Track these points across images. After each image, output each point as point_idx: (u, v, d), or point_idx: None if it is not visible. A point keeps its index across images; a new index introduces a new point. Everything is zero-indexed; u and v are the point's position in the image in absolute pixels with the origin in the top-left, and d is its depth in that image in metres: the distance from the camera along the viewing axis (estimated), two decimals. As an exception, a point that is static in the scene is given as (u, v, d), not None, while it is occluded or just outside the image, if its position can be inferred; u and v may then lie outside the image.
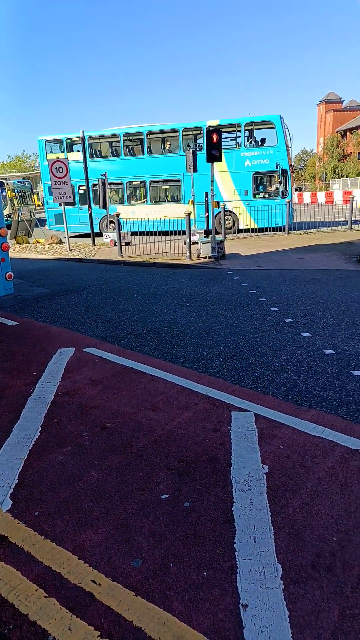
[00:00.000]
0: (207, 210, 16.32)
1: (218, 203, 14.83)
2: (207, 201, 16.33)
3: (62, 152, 19.95)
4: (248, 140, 18.66)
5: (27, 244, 18.48)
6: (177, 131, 18.71)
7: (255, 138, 19.05)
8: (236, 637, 1.87)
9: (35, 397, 4.19)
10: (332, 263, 11.36)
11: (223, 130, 20.11)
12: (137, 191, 21.24)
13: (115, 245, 14.69)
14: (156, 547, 2.37)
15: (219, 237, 14.02)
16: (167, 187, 20.53)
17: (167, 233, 17.04)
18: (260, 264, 11.81)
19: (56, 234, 18.37)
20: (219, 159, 12.18)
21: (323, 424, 3.53)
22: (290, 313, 6.90)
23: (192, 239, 12.84)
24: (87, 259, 13.90)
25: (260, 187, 18.46)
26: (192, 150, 15.62)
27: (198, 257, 12.89)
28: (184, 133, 18.75)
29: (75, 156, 19.38)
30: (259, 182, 18.41)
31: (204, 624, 1.93)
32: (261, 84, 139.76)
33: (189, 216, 12.41)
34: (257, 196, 18.22)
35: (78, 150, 19.73)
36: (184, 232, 17.27)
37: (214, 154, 11.90)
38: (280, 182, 17.81)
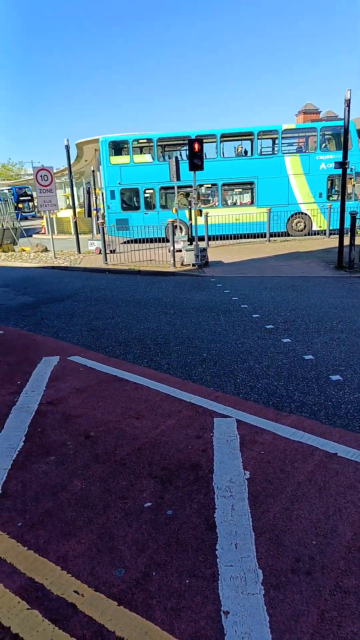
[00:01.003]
0: (190, 218, 16.45)
1: (200, 212, 14.91)
2: (190, 209, 16.46)
3: (127, 153, 18.99)
4: (323, 144, 18.56)
5: (12, 252, 18.35)
6: (252, 134, 18.37)
7: (328, 142, 18.95)
8: (217, 643, 1.90)
9: (19, 407, 4.17)
10: (311, 270, 11.54)
11: (299, 134, 19.84)
12: (208, 194, 20.71)
13: (100, 253, 14.69)
14: (139, 555, 2.38)
15: (202, 244, 14.13)
16: (240, 190, 20.19)
17: (241, 237, 17.09)
18: (242, 271, 11.93)
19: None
20: (201, 168, 12.26)
21: (303, 429, 3.59)
22: (271, 319, 7.00)
23: (175, 247, 12.91)
24: (72, 267, 13.86)
25: (333, 189, 18.47)
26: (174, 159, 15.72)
27: (182, 264, 12.97)
28: (259, 136, 18.42)
29: (141, 158, 18.94)
30: (332, 185, 18.42)
31: (185, 632, 1.96)
32: (243, 95, 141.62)
33: (172, 224, 12.49)
34: (330, 198, 18.19)
35: (143, 153, 19.22)
36: (258, 235, 17.16)
37: (195, 163, 12.01)
38: (354, 185, 17.78)
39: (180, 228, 17.28)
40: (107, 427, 3.77)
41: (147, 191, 18.82)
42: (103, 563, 2.34)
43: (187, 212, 14.53)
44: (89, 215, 18.48)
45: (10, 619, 2.03)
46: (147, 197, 19.05)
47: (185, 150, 18.72)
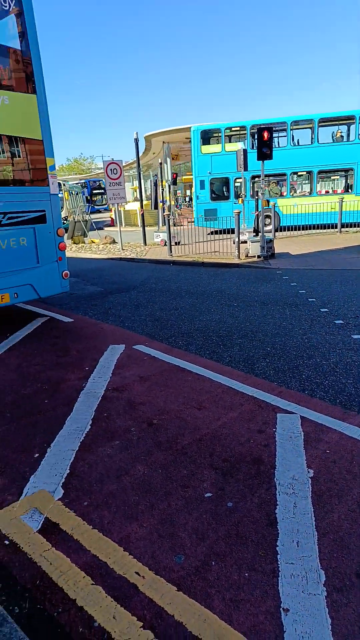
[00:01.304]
0: (256, 209, 16.13)
1: (268, 202, 14.57)
2: (257, 200, 16.12)
3: (219, 142, 18.77)
4: None
5: (82, 244, 19.14)
6: (353, 118, 17.51)
7: None
8: None
9: (87, 392, 4.36)
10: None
11: None
12: (302, 182, 20.20)
13: (165, 245, 14.87)
14: (199, 544, 2.41)
15: (269, 235, 13.80)
16: (337, 177, 19.58)
17: (333, 226, 16.60)
18: (310, 263, 11.52)
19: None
20: (270, 157, 11.93)
21: (374, 431, 3.41)
22: (341, 314, 6.69)
23: (240, 238, 12.74)
24: (138, 259, 14.18)
25: None
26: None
27: (247, 256, 12.78)
28: None
29: (233, 147, 18.09)
30: None
31: (244, 625, 1.95)
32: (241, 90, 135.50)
33: (238, 215, 12.32)
34: None
35: (236, 141, 18.93)
36: (354, 225, 16.58)
37: (264, 152, 11.71)
38: None
39: (269, 217, 16.80)
40: (169, 415, 3.83)
41: (237, 180, 18.41)
42: (163, 548, 2.39)
43: (261, 202, 14.09)
44: (156, 207, 18.75)
45: (75, 592, 2.14)
46: (238, 186, 18.65)
47: (283, 136, 18.23)
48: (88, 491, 2.89)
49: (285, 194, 18.64)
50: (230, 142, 19.00)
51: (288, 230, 18.17)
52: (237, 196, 18.52)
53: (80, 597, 2.11)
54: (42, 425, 3.76)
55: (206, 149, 18.62)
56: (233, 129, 19.07)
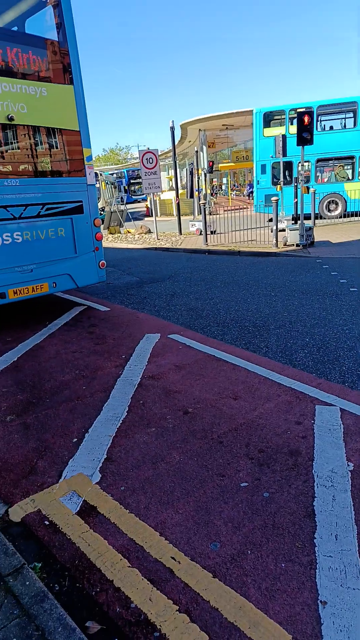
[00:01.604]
0: (296, 196, 15.71)
1: (308, 189, 14.16)
2: (296, 186, 15.70)
3: (283, 125, 18.20)
4: None
5: (118, 234, 19.34)
6: None
7: None
8: (314, 632, 1.85)
9: (124, 379, 4.42)
10: None
11: None
12: None
13: (201, 234, 14.78)
14: (234, 533, 2.40)
15: (308, 223, 13.44)
16: None
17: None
18: (352, 251, 11.14)
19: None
20: (310, 142, 11.56)
21: None
22: (385, 304, 6.45)
23: (279, 226, 12.47)
24: (173, 248, 14.17)
25: None
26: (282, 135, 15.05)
27: (285, 244, 12.51)
28: None
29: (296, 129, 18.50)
30: None
31: (280, 614, 1.94)
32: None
33: (276, 202, 12.05)
34: None
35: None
36: None
37: (304, 137, 11.36)
38: None
39: (336, 203, 16.09)
40: (205, 404, 3.82)
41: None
42: (199, 535, 2.40)
43: (298, 188, 13.44)
44: (191, 196, 18.62)
45: (113, 573, 2.19)
46: (282, 170, 17.69)
47: (350, 117, 17.24)
48: (124, 476, 2.94)
49: (353, 177, 17.63)
50: (292, 124, 17.82)
51: (356, 216, 17.11)
52: (297, 180, 17.61)
53: (118, 579, 2.16)
54: (80, 411, 3.84)
55: (269, 131, 17.85)
56: (298, 110, 18.35)
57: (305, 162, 16.95)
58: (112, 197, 25.93)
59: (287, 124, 17.68)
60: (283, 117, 17.84)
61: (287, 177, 18.08)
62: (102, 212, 20.29)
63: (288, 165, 17.86)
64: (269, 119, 18.38)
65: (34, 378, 4.60)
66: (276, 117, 18.31)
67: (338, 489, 2.67)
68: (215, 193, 38.30)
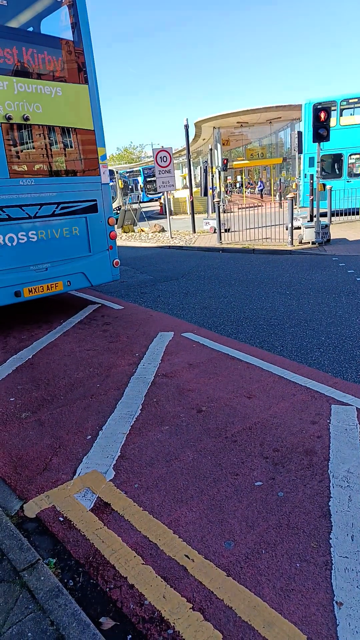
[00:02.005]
0: (311, 193, 15.51)
1: (324, 185, 13.97)
2: (311, 183, 15.50)
3: (333, 116, 17.32)
4: None
5: (132, 233, 19.39)
6: None
7: None
8: (329, 633, 1.83)
9: (137, 377, 4.43)
10: None
11: None
12: None
13: (214, 232, 14.73)
14: (249, 532, 2.39)
15: (324, 221, 13.28)
16: None
17: None
18: (369, 249, 10.99)
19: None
20: (327, 139, 11.41)
21: None
22: None
23: (294, 224, 12.36)
24: (187, 247, 14.16)
25: None
26: (298, 131, 14.88)
27: (300, 242, 12.38)
28: None
29: (349, 120, 17.45)
30: None
31: (294, 614, 1.92)
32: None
33: (292, 200, 11.94)
34: None
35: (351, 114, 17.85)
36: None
37: (320, 133, 11.22)
38: None
39: None
40: (219, 403, 3.81)
41: (352, 156, 17.32)
42: (213, 533, 2.39)
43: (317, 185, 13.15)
44: (205, 194, 18.56)
45: (127, 570, 2.20)
46: (352, 162, 17.56)
47: None
48: (138, 474, 2.94)
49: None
50: (342, 115, 17.64)
51: None
52: (351, 174, 17.35)
53: (132, 576, 2.16)
54: (94, 408, 3.86)
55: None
56: (351, 100, 17.57)
57: (355, 154, 16.34)
58: (125, 196, 25.97)
59: (339, 115, 17.14)
60: (334, 108, 17.09)
61: (337, 169, 17.55)
62: (117, 212, 20.23)
63: (338, 158, 17.35)
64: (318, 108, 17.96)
65: (48, 375, 4.64)
66: (327, 108, 17.92)
67: (354, 489, 2.63)
68: (230, 191, 37.98)
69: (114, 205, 20.20)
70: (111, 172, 24.10)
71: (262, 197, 34.75)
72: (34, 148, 6.24)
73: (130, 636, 1.88)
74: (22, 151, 6.13)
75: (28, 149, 6.21)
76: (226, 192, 36.01)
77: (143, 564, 2.23)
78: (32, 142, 6.20)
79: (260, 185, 37.50)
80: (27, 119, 5.85)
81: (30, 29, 6.70)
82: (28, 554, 2.21)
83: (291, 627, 1.86)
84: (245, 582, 2.09)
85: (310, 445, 3.10)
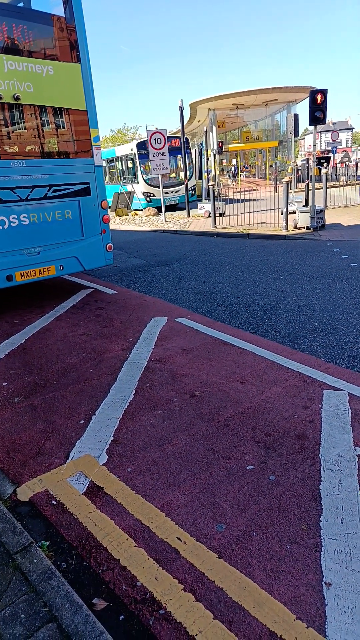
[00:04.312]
0: (308, 178, 15.40)
1: (319, 170, 13.87)
2: (307, 167, 15.39)
3: None
4: None
5: (126, 216, 19.19)
6: None
7: None
8: (317, 613, 1.86)
9: (131, 362, 4.43)
10: None
11: None
12: None
13: (209, 216, 14.62)
14: (240, 514, 2.42)
15: (319, 206, 13.22)
16: None
17: None
18: (363, 234, 10.97)
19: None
20: (323, 122, 11.29)
21: None
22: None
23: (289, 209, 12.28)
24: (181, 231, 14.05)
25: None
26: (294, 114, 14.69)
27: (295, 227, 12.33)
28: None
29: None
30: None
31: (284, 595, 1.95)
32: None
33: (287, 185, 11.85)
34: None
35: None
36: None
37: (316, 116, 11.08)
38: None
39: None
40: (212, 388, 3.82)
41: None
42: (205, 516, 2.42)
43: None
44: (200, 177, 18.35)
45: (119, 552, 2.22)
46: None
47: None
48: (131, 458, 2.96)
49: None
50: None
51: None
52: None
53: (124, 558, 2.18)
54: (88, 393, 3.86)
55: None
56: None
57: None
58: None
59: None
60: None
61: None
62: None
63: None
64: None
65: (41, 360, 4.63)
66: None
67: (345, 473, 2.66)
68: (234, 173, 37.52)
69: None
70: (187, 141, 21.51)
71: (234, 181, 34.58)
72: (25, 129, 6.11)
73: (122, 617, 1.91)
74: (12, 132, 6.00)
75: (19, 129, 6.08)
76: (232, 174, 35.53)
77: (135, 546, 2.25)
78: (24, 122, 6.07)
79: (234, 170, 37.31)
80: (17, 98, 5.71)
81: (21, 4, 6.49)
82: (21, 537, 2.23)
83: (281, 607, 1.90)
84: (236, 564, 2.12)
85: (302, 430, 3.13)
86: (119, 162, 21.26)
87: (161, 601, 1.95)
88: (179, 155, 18.95)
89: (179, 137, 18.61)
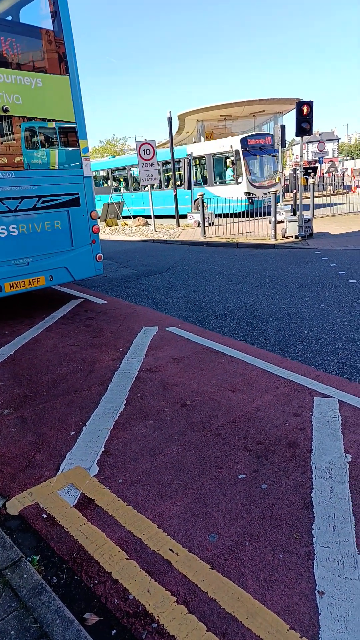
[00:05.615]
0: (296, 188, 15.61)
1: (307, 179, 14.07)
2: (295, 177, 15.60)
3: None
4: None
5: (115, 226, 19.24)
6: None
7: None
8: (311, 622, 1.85)
9: (121, 372, 4.41)
10: None
11: None
12: None
13: (199, 226, 14.71)
14: (232, 524, 2.40)
15: (307, 215, 13.38)
16: None
17: None
18: (351, 243, 11.11)
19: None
20: (309, 133, 11.49)
21: None
22: (383, 296, 6.43)
23: (277, 218, 12.41)
24: (171, 241, 14.11)
25: None
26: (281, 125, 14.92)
27: (284, 236, 12.46)
28: None
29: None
30: None
31: (277, 605, 1.94)
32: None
33: (275, 194, 11.99)
34: None
35: None
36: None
37: (303, 127, 11.28)
38: None
39: None
40: (203, 397, 3.82)
41: None
42: (197, 527, 2.40)
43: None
44: (189, 188, 18.46)
45: (111, 565, 2.19)
46: None
47: None
48: (122, 469, 2.93)
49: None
50: None
51: None
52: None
53: (116, 571, 2.16)
54: (78, 404, 3.83)
55: None
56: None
57: None
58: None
59: None
60: None
61: None
62: (251, 200, 17.80)
63: None
64: None
65: (31, 371, 4.59)
66: None
67: (336, 480, 2.67)
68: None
69: (244, 190, 17.73)
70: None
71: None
72: (14, 140, 6.12)
73: (114, 631, 1.88)
74: (1, 143, 6.00)
75: (8, 141, 6.09)
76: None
77: (127, 558, 2.23)
78: (12, 134, 6.08)
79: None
80: (6, 110, 5.73)
81: (9, 17, 6.54)
82: (11, 552, 2.19)
83: (274, 617, 1.89)
84: (229, 574, 2.10)
85: (293, 438, 3.14)
86: (200, 162, 19.48)
87: (154, 614, 1.92)
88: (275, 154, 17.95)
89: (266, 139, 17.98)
